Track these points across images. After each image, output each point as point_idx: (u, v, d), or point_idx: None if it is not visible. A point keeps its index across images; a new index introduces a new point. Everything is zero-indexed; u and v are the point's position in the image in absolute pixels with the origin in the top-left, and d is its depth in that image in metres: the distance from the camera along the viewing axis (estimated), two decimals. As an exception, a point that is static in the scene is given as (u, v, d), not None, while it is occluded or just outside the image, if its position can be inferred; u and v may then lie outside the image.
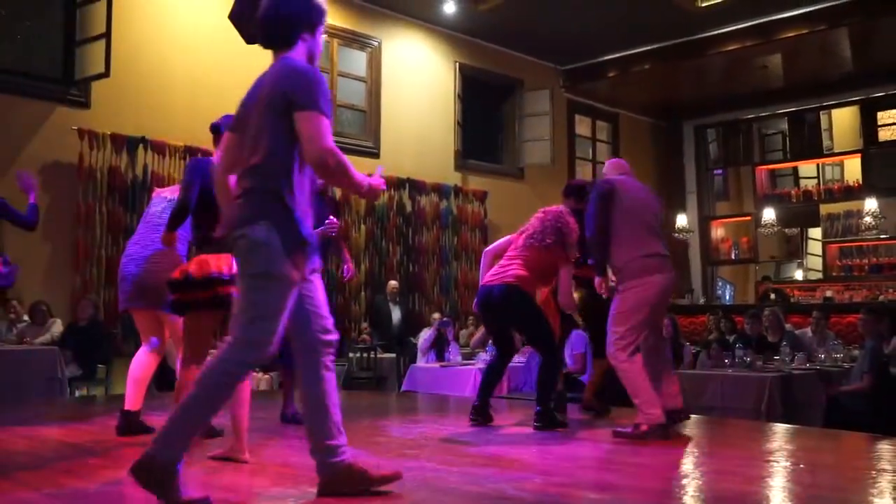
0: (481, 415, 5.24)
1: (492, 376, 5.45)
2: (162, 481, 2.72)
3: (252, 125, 2.96)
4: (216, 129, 4.15)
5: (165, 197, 5.10)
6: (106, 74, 8.32)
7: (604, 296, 5.06)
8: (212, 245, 3.89)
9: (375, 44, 11.13)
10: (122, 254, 5.11)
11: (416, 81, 11.51)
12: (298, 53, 3.06)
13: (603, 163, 14.35)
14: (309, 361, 3.03)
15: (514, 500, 3.09)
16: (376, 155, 10.81)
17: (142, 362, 4.89)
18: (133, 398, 4.79)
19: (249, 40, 7.92)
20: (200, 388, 2.81)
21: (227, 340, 2.86)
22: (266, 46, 3.13)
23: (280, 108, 2.90)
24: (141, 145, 8.82)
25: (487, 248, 5.67)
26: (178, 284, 3.82)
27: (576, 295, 5.42)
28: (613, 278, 4.90)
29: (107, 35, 8.31)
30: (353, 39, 10.97)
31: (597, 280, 4.89)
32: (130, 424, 4.72)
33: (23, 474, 3.62)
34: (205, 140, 9.13)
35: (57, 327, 7.92)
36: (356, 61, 11.08)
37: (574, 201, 5.98)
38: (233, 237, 2.93)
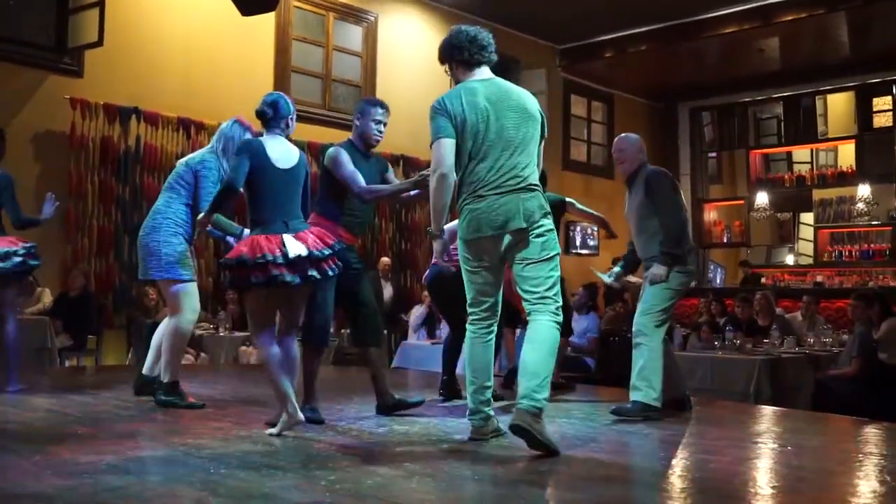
0: (448, 389, 5.42)
1: (452, 352, 5.52)
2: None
3: (509, 134, 3.66)
4: (262, 115, 4.10)
5: (183, 161, 4.98)
6: (99, 43, 8.23)
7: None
8: (265, 226, 3.88)
9: (372, 18, 11.04)
10: None
11: (411, 57, 11.43)
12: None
13: (599, 144, 14.39)
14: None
15: (504, 479, 3.10)
16: (370, 131, 10.73)
17: (158, 331, 5.01)
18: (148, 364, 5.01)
19: (245, 12, 7.92)
20: (546, 346, 3.59)
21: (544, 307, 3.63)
22: (479, 63, 3.81)
23: (540, 128, 3.77)
24: (134, 115, 8.75)
25: (448, 226, 5.35)
26: (231, 265, 3.81)
27: None
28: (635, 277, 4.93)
29: (100, 3, 8.22)
30: (348, 13, 10.88)
31: (665, 270, 4.65)
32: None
33: (11, 442, 3.62)
34: (198, 112, 9.16)
35: (46, 297, 7.89)
36: (352, 36, 10.99)
37: None
38: (523, 228, 3.60)
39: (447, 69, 3.94)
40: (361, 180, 4.35)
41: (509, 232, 3.61)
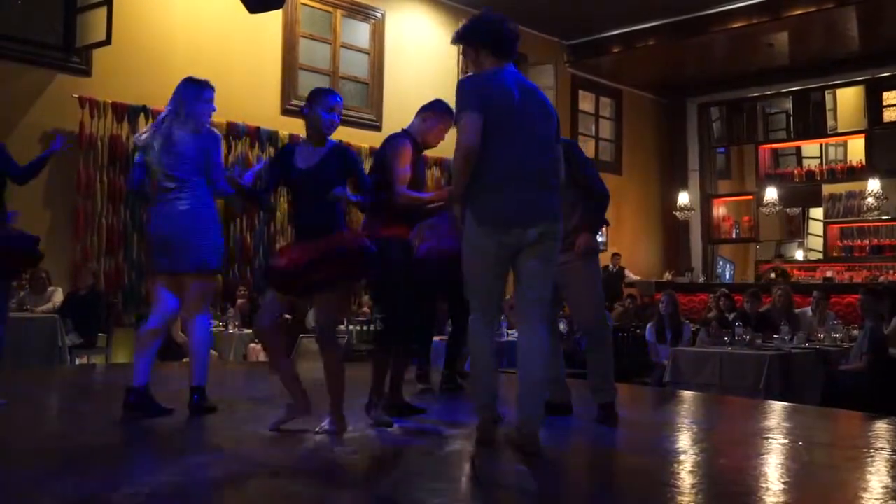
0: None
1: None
2: None
3: (537, 129, 3.56)
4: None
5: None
6: (107, 42, 8.26)
7: None
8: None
9: (379, 15, 11.04)
10: None
11: (419, 54, 11.43)
12: None
13: (607, 140, 14.35)
14: None
15: (511, 477, 3.10)
16: (378, 128, 10.76)
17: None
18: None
19: (252, 9, 7.93)
20: (546, 355, 3.54)
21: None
22: (508, 56, 3.67)
23: (556, 129, 3.68)
24: (142, 114, 8.77)
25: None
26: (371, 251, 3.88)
27: None
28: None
29: (108, 2, 8.25)
30: (356, 10, 10.88)
31: (595, 240, 4.49)
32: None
33: (22, 441, 3.63)
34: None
35: (58, 296, 7.92)
36: (359, 33, 11.00)
37: None
38: (548, 226, 3.48)
39: (461, 50, 3.75)
40: (404, 183, 4.14)
41: (536, 227, 3.46)
